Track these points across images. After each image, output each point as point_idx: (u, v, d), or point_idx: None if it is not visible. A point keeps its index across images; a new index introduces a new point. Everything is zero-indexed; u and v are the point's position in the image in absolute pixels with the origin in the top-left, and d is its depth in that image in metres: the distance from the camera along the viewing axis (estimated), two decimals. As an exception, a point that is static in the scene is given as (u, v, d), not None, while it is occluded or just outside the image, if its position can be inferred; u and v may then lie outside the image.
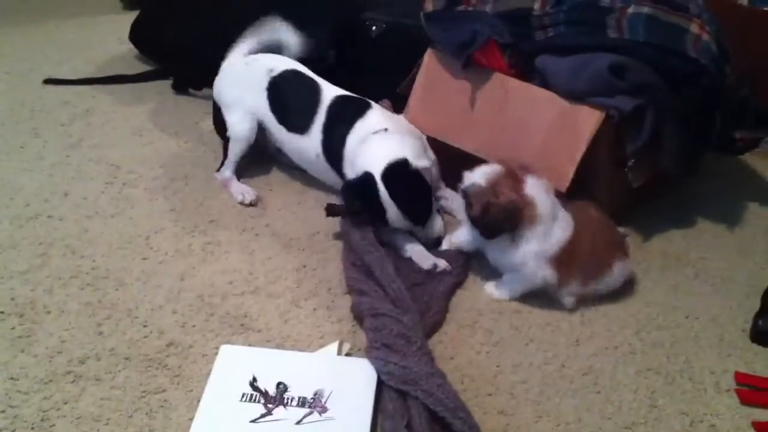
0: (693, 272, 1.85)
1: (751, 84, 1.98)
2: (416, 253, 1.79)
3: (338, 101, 1.96)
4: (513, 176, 1.64)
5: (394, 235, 1.82)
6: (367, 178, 1.76)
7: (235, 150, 2.04)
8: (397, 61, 2.15)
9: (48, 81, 2.54)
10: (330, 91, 1.98)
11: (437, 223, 1.84)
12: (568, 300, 1.68)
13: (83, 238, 1.83)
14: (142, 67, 2.66)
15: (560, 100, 1.79)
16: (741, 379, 1.55)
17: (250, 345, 1.56)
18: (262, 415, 1.37)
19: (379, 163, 1.76)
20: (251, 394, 1.41)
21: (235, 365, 1.48)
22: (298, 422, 1.36)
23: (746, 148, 2.04)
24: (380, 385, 1.45)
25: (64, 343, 1.54)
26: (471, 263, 1.81)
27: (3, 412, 1.38)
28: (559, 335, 1.64)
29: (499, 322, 1.66)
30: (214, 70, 2.16)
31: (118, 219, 1.91)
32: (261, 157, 2.11)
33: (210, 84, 2.17)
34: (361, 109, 1.90)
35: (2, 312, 1.60)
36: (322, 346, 1.57)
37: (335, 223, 1.90)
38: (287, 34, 2.11)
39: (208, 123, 2.23)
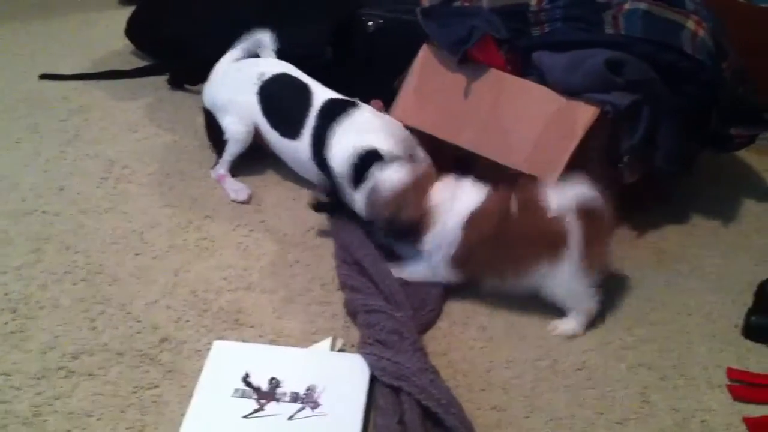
0: (687, 268, 1.85)
1: (747, 81, 1.98)
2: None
3: (328, 105, 1.94)
4: (420, 182, 1.64)
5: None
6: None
7: (232, 150, 2.04)
8: (394, 56, 2.15)
9: (44, 76, 2.54)
10: (321, 95, 1.97)
11: None
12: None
13: (78, 234, 1.84)
14: (138, 63, 2.66)
15: (556, 95, 1.79)
16: (733, 375, 1.55)
17: (243, 340, 1.57)
18: (255, 411, 1.38)
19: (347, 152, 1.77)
20: (244, 390, 1.41)
21: (228, 361, 1.48)
22: (291, 417, 1.37)
23: (742, 144, 2.03)
24: (373, 380, 1.45)
25: (58, 338, 1.54)
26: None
27: (-5, 407, 1.38)
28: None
29: (493, 318, 1.66)
30: (210, 66, 2.16)
31: (112, 214, 1.91)
32: (257, 153, 2.10)
33: (206, 79, 2.16)
34: (347, 111, 1.89)
35: (-4, 307, 1.60)
36: (315, 341, 1.57)
37: (328, 219, 1.90)
38: (273, 45, 2.13)
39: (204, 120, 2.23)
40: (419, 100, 1.97)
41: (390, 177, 1.66)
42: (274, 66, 2.06)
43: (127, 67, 2.61)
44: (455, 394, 1.41)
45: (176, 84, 2.50)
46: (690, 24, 1.85)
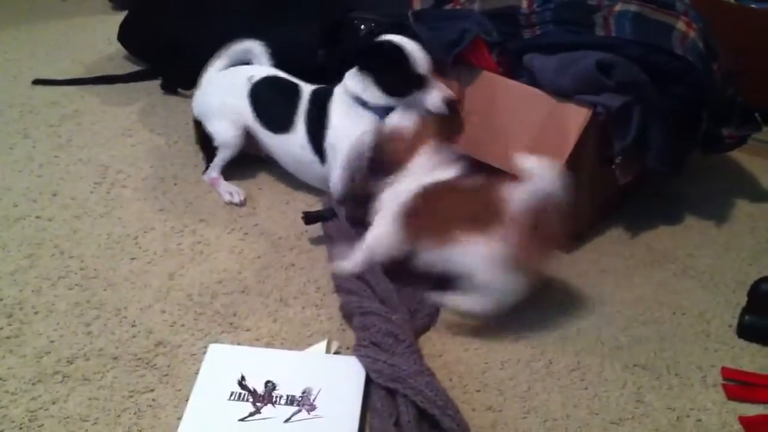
0: (680, 268, 1.86)
1: (737, 81, 1.99)
2: None
3: (317, 90, 2.00)
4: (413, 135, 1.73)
5: None
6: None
7: (223, 156, 2.05)
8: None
9: (37, 81, 2.54)
10: (308, 88, 2.01)
11: None
12: None
13: (72, 239, 1.83)
14: (131, 68, 2.66)
15: (548, 97, 1.80)
16: (727, 374, 1.56)
17: (239, 344, 1.56)
18: (251, 414, 1.38)
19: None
20: (240, 393, 1.41)
21: (224, 364, 1.48)
22: (287, 420, 1.37)
23: (734, 145, 2.04)
24: (369, 383, 1.45)
25: (53, 343, 1.54)
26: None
27: (-9, 412, 1.38)
28: (547, 332, 1.65)
29: (488, 319, 1.66)
30: (203, 70, 2.16)
31: (106, 219, 1.91)
32: (248, 158, 2.10)
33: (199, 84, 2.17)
34: (333, 92, 1.96)
35: (-10, 313, 1.60)
36: (311, 344, 1.57)
37: (324, 223, 1.90)
38: (261, 55, 2.15)
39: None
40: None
41: (391, 119, 1.77)
42: (262, 70, 2.08)
43: (120, 71, 2.61)
44: (451, 395, 1.41)
45: (169, 88, 2.50)
46: (680, 25, 1.86)
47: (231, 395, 1.41)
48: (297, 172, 2.05)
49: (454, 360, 1.56)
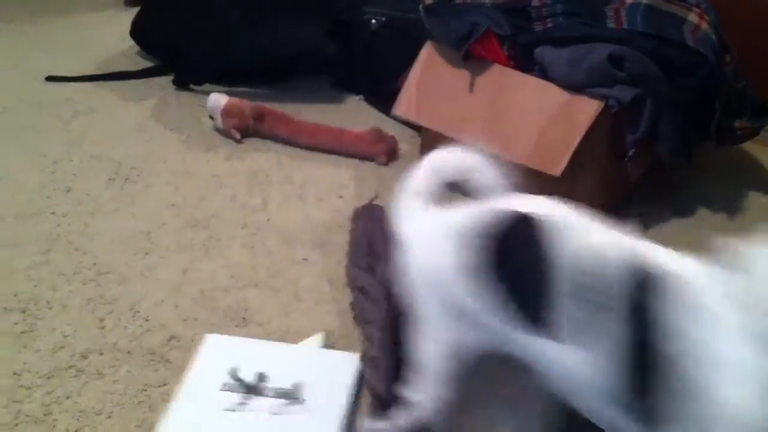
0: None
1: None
2: None
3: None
4: None
5: None
6: None
7: None
8: (397, 54, 2.16)
9: (50, 78, 2.56)
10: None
11: None
12: None
13: (85, 234, 1.85)
14: (143, 63, 2.67)
15: (559, 90, 1.80)
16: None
17: (251, 338, 1.57)
18: (240, 404, 1.38)
19: None
20: (231, 384, 1.42)
21: (219, 354, 1.49)
22: (274, 413, 1.37)
23: (746, 137, 2.04)
24: (361, 378, 1.45)
25: (67, 338, 1.55)
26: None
27: (6, 407, 1.39)
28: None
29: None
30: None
31: (120, 214, 1.93)
32: (262, 143, 2.12)
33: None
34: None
35: (5, 308, 1.61)
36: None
37: (336, 217, 1.93)
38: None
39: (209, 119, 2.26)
40: (422, 97, 1.98)
41: None
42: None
43: (133, 68, 2.63)
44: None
45: (182, 84, 2.51)
46: (692, 17, 1.85)
47: (223, 386, 1.41)
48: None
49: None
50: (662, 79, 1.78)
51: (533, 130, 1.80)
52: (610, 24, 1.87)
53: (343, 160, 2.19)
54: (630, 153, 1.79)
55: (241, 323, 1.62)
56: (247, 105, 2.23)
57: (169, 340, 1.56)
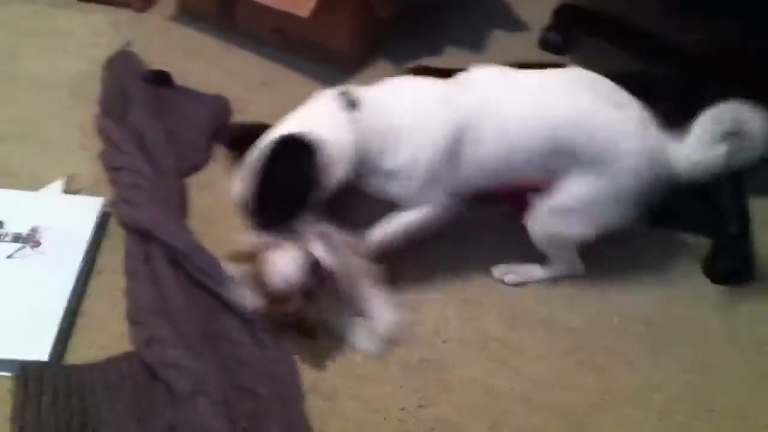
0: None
1: None
2: None
3: None
4: None
5: None
6: None
7: None
8: None
9: None
10: None
11: None
12: None
13: None
14: None
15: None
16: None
17: (6, 188, 1.58)
18: None
19: None
20: None
21: None
22: (9, 256, 1.41)
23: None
24: (103, 222, 1.51)
25: None
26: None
27: None
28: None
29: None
30: None
31: None
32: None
33: None
34: None
35: None
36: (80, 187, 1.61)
37: (92, 65, 1.91)
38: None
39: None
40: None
41: None
42: None
43: None
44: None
45: None
46: None
47: None
48: None
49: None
50: None
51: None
52: None
53: (98, 7, 2.14)
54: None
55: (-10, 174, 1.61)
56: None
57: None
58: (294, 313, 1.30)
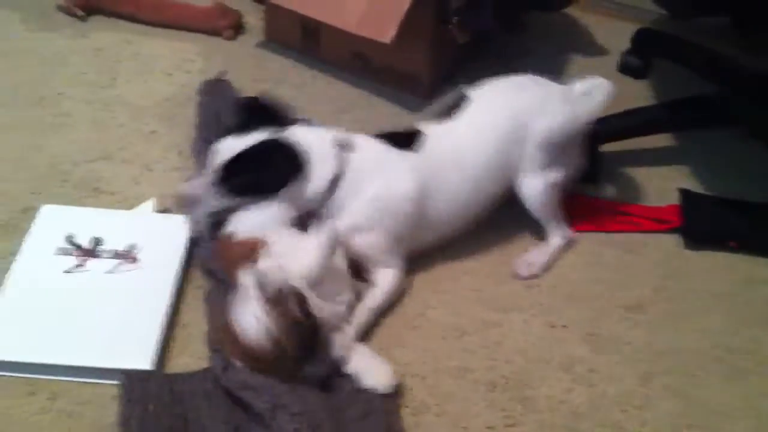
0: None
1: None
2: None
3: None
4: None
5: None
6: None
7: None
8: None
9: None
10: None
11: None
12: None
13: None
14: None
15: (388, -38, 1.88)
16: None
17: (104, 207, 1.66)
18: (76, 266, 1.49)
19: None
20: (66, 248, 1.51)
21: (54, 223, 1.57)
22: (110, 271, 1.49)
23: (564, 4, 2.19)
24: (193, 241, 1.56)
25: None
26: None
27: None
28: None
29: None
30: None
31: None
32: (107, 21, 2.13)
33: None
34: None
35: None
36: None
37: (184, 90, 1.99)
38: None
39: None
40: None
41: None
42: None
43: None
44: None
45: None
46: None
47: (58, 250, 1.51)
48: None
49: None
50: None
51: (364, 0, 1.89)
52: None
53: (189, 35, 2.22)
54: (454, 20, 1.91)
55: (93, 193, 1.70)
56: (87, -19, 2.23)
57: (23, 212, 1.62)
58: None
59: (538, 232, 1.67)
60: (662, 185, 1.84)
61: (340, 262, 1.42)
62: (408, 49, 1.92)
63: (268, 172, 1.43)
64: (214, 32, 2.21)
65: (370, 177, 1.50)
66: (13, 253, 1.51)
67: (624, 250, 1.68)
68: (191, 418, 1.25)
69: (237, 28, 2.24)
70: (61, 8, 2.24)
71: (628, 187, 1.83)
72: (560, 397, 1.37)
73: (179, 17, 2.23)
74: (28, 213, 1.61)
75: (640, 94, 2.13)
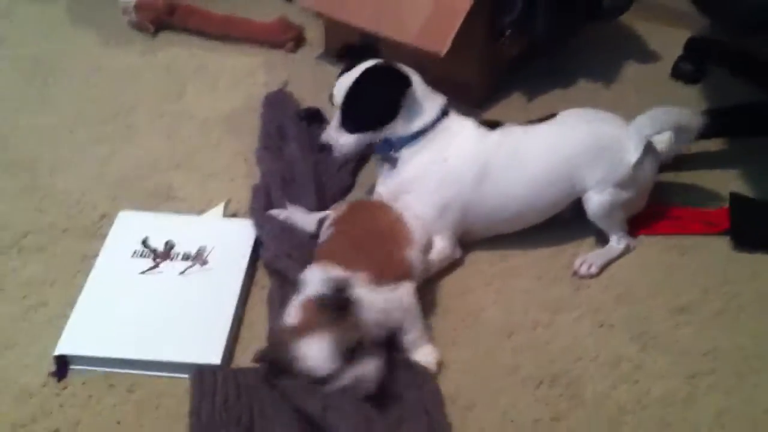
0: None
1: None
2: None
3: None
4: None
5: None
6: None
7: None
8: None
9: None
10: None
11: None
12: None
13: (14, 131, 2.00)
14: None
15: (442, -24, 1.96)
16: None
17: (176, 213, 1.77)
18: (151, 268, 1.59)
19: None
20: (142, 251, 1.62)
21: (130, 228, 1.68)
22: (182, 273, 1.59)
23: (616, 12, 2.23)
24: (258, 242, 1.65)
25: (7, 221, 1.73)
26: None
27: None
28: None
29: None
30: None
31: (44, 111, 2.07)
32: (176, 36, 2.25)
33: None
34: None
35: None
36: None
37: (249, 101, 2.10)
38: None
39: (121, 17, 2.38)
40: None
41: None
42: None
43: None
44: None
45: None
46: None
47: (134, 253, 1.62)
48: None
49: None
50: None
51: (420, 14, 1.96)
52: None
53: (252, 49, 2.33)
54: (506, 33, 1.98)
55: (165, 200, 1.82)
56: (159, -1, 2.36)
57: (101, 218, 1.75)
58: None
59: (590, 235, 1.73)
60: (714, 189, 1.87)
61: None
62: (461, 60, 1.99)
63: (380, 91, 1.60)
64: (277, 45, 2.32)
65: (447, 141, 1.62)
66: (94, 256, 1.63)
67: (674, 252, 1.72)
68: (257, 410, 1.34)
69: (298, 42, 2.34)
70: (132, 24, 2.37)
71: (680, 191, 1.86)
72: (606, 393, 1.42)
73: (245, 31, 2.34)
74: (107, 219, 1.74)
75: (692, 100, 2.16)
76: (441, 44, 1.92)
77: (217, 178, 1.88)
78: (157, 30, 2.36)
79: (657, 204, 1.81)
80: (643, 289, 1.64)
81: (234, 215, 1.77)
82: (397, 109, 1.60)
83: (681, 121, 1.70)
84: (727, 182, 1.88)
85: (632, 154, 1.62)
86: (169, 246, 1.64)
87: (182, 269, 1.60)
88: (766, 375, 1.47)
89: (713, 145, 1.98)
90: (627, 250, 1.71)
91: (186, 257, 1.62)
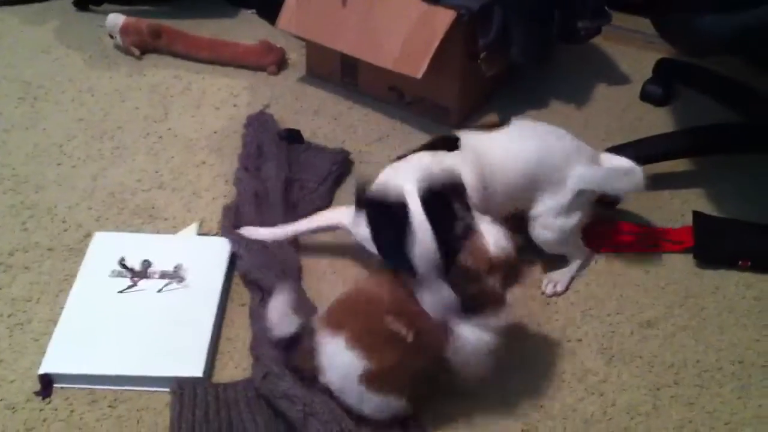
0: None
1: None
2: None
3: None
4: None
5: None
6: None
7: None
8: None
9: (-47, 4, 2.66)
10: None
11: None
12: None
13: (2, 150, 2.05)
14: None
15: (419, 3, 2.02)
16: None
17: (158, 232, 1.82)
18: (129, 287, 1.64)
19: None
20: (119, 271, 1.66)
21: (107, 248, 1.72)
22: (159, 290, 1.63)
23: (589, 36, 2.30)
24: (233, 258, 1.71)
25: (-7, 240, 1.78)
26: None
27: (-53, 299, 1.63)
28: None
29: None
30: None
31: (32, 131, 2.12)
32: (161, 59, 2.31)
33: None
34: None
35: (-65, 218, 1.82)
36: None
37: (231, 122, 2.16)
38: None
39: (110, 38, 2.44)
40: (302, 11, 2.18)
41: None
42: None
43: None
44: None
45: (82, 6, 2.65)
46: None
47: (112, 273, 1.66)
48: None
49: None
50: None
51: (398, 38, 2.03)
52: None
53: (235, 71, 2.40)
54: (482, 56, 2.05)
55: (148, 219, 1.86)
56: (144, 23, 2.41)
57: (86, 237, 1.79)
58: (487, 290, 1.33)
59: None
60: (680, 208, 1.94)
61: None
62: (439, 83, 2.06)
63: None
64: (260, 68, 2.38)
65: None
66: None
67: (639, 269, 1.79)
68: (235, 424, 1.38)
69: (280, 64, 2.40)
70: (119, 48, 2.43)
71: (644, 210, 1.93)
72: (573, 406, 1.48)
73: (229, 55, 2.40)
74: (91, 238, 1.78)
75: (661, 121, 2.24)
76: (418, 69, 2.00)
77: (199, 199, 1.93)
78: (143, 53, 2.42)
79: (622, 222, 1.88)
80: (609, 305, 1.70)
81: (206, 234, 1.82)
82: None
83: (618, 186, 1.72)
84: (690, 201, 1.96)
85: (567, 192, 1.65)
86: (146, 265, 1.68)
87: (160, 287, 1.65)
88: (727, 387, 1.54)
89: (680, 165, 2.06)
90: (588, 260, 1.77)
91: (163, 275, 1.67)
